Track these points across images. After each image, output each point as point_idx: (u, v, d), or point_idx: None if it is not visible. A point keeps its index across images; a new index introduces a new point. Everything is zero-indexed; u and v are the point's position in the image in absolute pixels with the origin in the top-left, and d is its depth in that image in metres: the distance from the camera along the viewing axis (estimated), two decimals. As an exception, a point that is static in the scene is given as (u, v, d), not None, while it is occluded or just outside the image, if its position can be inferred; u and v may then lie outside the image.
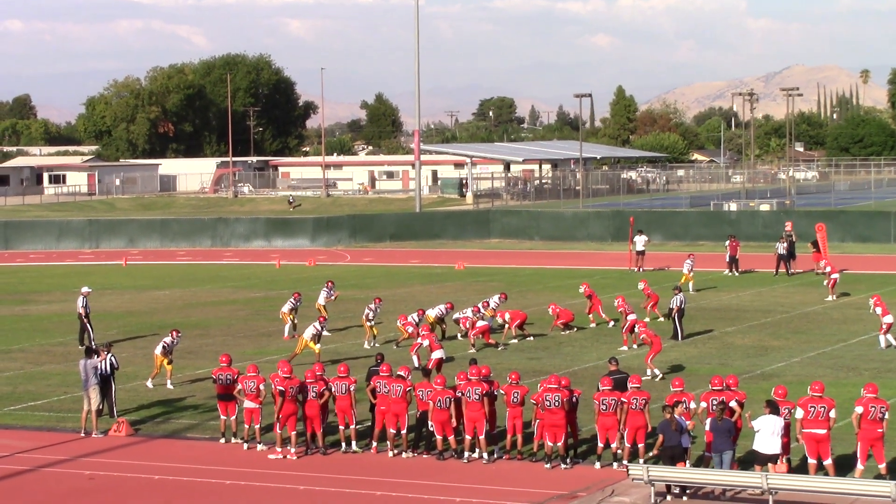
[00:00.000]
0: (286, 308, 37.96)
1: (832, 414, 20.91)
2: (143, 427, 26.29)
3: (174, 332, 30.73)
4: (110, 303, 47.44)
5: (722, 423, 20.81)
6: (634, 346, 34.05)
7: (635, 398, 22.15)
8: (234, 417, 24.80)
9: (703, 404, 21.67)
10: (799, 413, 20.91)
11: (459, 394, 23.10)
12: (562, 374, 25.35)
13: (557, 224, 75.52)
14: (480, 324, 35.35)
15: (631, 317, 34.24)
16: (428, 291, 48.81)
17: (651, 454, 22.08)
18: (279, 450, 23.75)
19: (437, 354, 29.90)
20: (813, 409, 20.82)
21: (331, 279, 42.04)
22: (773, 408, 20.83)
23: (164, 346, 30.17)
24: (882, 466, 20.93)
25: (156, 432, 25.90)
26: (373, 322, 36.09)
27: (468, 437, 23.08)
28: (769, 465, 20.59)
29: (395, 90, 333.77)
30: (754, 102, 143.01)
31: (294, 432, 23.66)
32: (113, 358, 26.77)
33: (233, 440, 24.75)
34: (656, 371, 30.20)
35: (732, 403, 21.71)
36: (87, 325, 36.81)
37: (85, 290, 37.65)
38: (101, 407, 25.94)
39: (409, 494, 21.05)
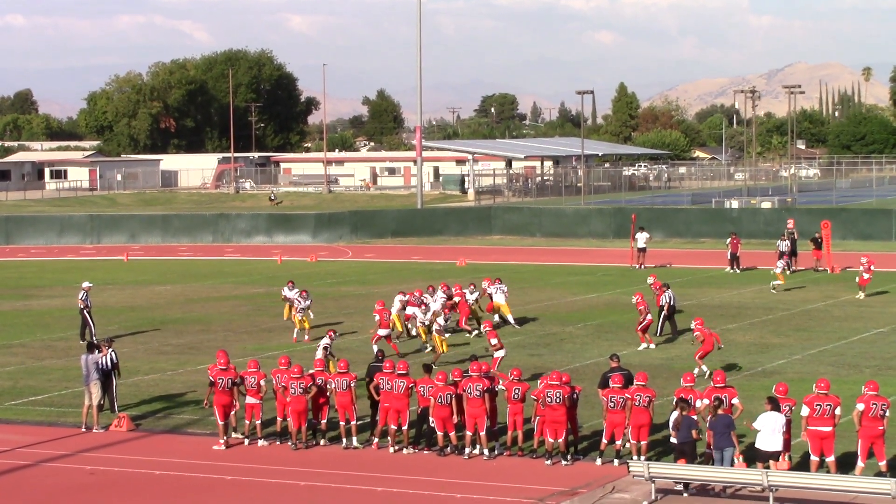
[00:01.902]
0: (299, 315, 36.18)
1: (837, 411, 20.91)
2: (144, 422, 26.29)
3: (331, 333, 29.41)
4: (111, 298, 47.45)
5: (719, 420, 20.80)
6: (652, 346, 33.83)
7: (639, 395, 22.15)
8: (233, 413, 24.79)
9: (706, 401, 21.67)
10: (804, 410, 20.91)
11: (461, 391, 23.11)
12: (563, 370, 25.34)
13: (559, 221, 75.53)
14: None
15: (649, 316, 33.98)
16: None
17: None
18: (222, 441, 24.14)
19: (500, 353, 29.15)
20: (819, 406, 20.82)
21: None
22: (775, 405, 20.83)
23: (324, 348, 28.45)
24: (882, 464, 20.92)
25: (157, 427, 25.91)
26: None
27: (469, 434, 23.09)
28: (770, 461, 20.59)
29: (397, 86, 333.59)
30: (756, 100, 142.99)
31: (224, 423, 24.04)
32: (113, 353, 26.76)
33: (233, 435, 24.75)
34: (704, 368, 29.68)
35: (735, 401, 21.73)
36: (88, 319, 36.82)
37: (86, 284, 37.64)
38: (101, 402, 25.94)
39: (409, 490, 21.06)
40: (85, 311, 36.84)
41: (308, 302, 36.65)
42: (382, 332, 33.14)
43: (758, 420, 20.81)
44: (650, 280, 37.98)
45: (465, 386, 23.03)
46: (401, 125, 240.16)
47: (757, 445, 20.77)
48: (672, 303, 35.86)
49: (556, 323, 39.27)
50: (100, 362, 26.07)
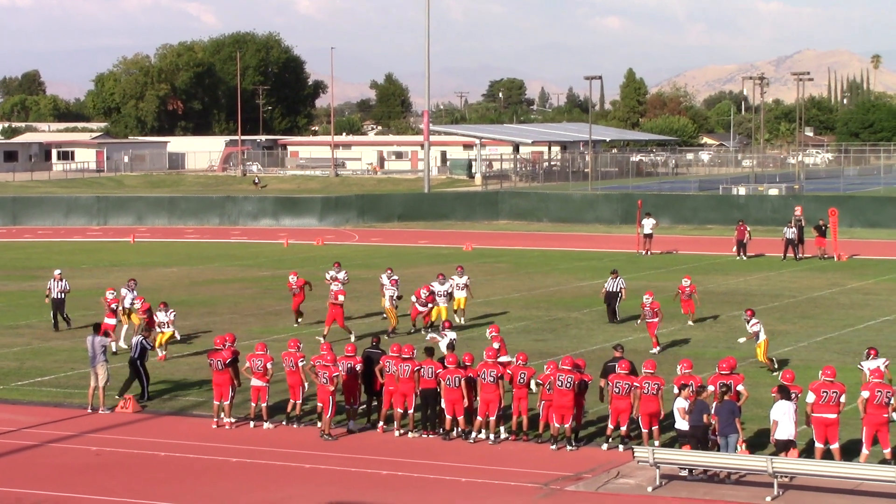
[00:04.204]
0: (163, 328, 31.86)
1: (843, 399, 20.90)
2: (150, 404, 26.35)
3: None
4: (118, 280, 47.37)
5: (724, 406, 20.78)
6: (656, 350, 32.82)
7: (648, 383, 22.16)
8: (230, 395, 24.74)
9: (711, 388, 21.68)
10: (810, 397, 20.89)
11: (475, 375, 23.14)
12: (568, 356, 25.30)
13: (566, 206, 75.49)
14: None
15: (656, 319, 32.95)
16: (435, 272, 48.72)
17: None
18: (216, 419, 24.41)
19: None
20: (825, 393, 20.81)
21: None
22: (785, 393, 20.77)
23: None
24: (887, 451, 20.93)
25: (162, 409, 25.97)
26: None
27: (480, 419, 23.09)
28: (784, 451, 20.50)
29: (404, 70, 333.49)
30: (765, 86, 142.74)
31: (227, 402, 24.24)
32: (144, 341, 27.00)
33: (229, 419, 24.71)
34: None
35: (740, 388, 21.73)
36: (53, 307, 36.39)
37: (56, 272, 37.21)
38: (108, 383, 25.98)
39: (414, 474, 21.09)
40: (48, 297, 36.47)
41: (172, 316, 32.19)
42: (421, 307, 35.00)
43: (772, 410, 20.70)
44: (686, 283, 35.64)
45: (480, 371, 23.07)
46: (408, 109, 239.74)
47: (777, 436, 20.61)
48: (613, 289, 35.69)
49: (562, 308, 39.27)
50: (108, 345, 26.14)
